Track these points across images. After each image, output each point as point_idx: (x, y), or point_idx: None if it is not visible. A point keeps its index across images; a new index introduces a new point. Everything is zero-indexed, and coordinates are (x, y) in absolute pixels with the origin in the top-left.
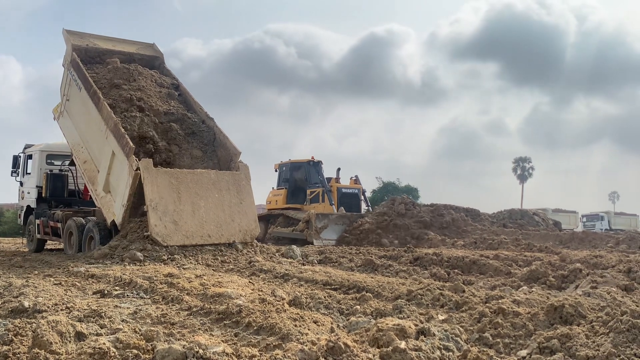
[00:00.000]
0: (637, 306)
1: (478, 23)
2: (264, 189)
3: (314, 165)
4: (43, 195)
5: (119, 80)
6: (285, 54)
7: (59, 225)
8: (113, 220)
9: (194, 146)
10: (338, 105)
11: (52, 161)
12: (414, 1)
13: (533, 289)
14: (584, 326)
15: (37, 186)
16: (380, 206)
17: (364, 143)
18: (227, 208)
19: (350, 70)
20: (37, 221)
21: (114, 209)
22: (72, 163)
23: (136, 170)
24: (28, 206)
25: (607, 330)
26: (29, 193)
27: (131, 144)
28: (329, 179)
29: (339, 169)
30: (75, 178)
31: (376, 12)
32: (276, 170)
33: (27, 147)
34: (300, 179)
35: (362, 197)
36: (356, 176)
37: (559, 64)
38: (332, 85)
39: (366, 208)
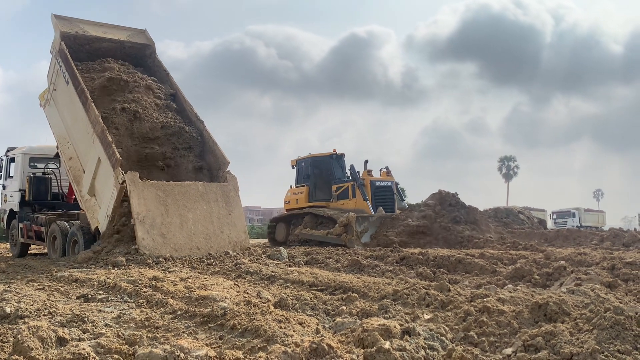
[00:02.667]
0: (621, 303)
1: (455, 24)
2: (249, 191)
3: (337, 159)
4: (26, 198)
5: (115, 91)
6: (265, 55)
7: (43, 229)
8: (97, 227)
9: (190, 160)
10: (320, 107)
11: (35, 164)
12: (395, 2)
13: (518, 287)
14: (568, 323)
15: (20, 189)
16: (427, 201)
17: (348, 144)
18: (216, 220)
19: (331, 71)
20: (21, 225)
21: (98, 216)
22: (56, 155)
23: (122, 183)
24: (11, 210)
25: (591, 327)
26: (11, 196)
27: (118, 155)
28: (357, 173)
29: (366, 161)
30: (58, 181)
31: (357, 14)
32: (293, 167)
33: (9, 150)
34: (323, 174)
35: (396, 191)
36: (387, 167)
37: (536, 63)
38: (313, 87)
39: (402, 202)
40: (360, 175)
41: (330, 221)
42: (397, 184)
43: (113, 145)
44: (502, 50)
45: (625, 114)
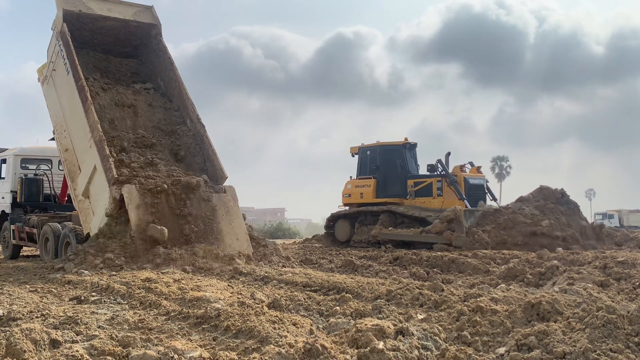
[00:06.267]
0: (613, 302)
1: (437, 25)
2: (239, 192)
3: (410, 149)
4: (18, 200)
5: (118, 112)
6: (251, 55)
7: (35, 230)
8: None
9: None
10: (308, 107)
11: (27, 165)
12: (382, 4)
13: (511, 287)
14: (560, 322)
15: (11, 191)
16: (533, 199)
17: (336, 144)
18: (217, 230)
19: (318, 71)
20: (12, 227)
21: (91, 224)
22: (53, 141)
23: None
24: (3, 211)
25: (584, 326)
26: (3, 198)
27: (114, 172)
28: (438, 166)
29: (449, 154)
30: (50, 182)
31: (343, 15)
32: (353, 155)
33: (0, 151)
34: (394, 166)
35: (487, 189)
36: (471, 162)
37: (519, 64)
38: (300, 87)
39: (493, 201)
40: (451, 171)
41: (415, 221)
42: (487, 182)
43: (110, 159)
44: (485, 51)
45: (609, 114)
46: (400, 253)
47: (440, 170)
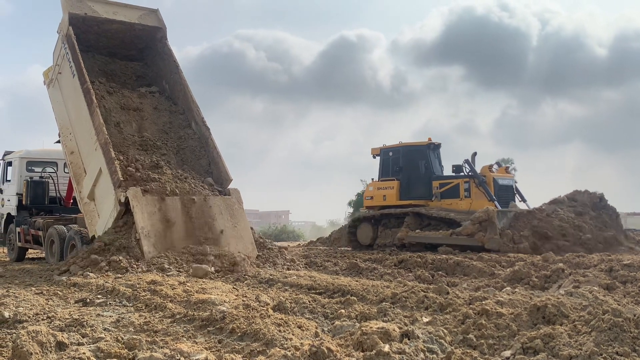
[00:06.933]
0: (619, 305)
1: (439, 27)
2: (243, 194)
3: (434, 149)
4: (23, 202)
5: (125, 115)
6: (254, 58)
7: (40, 233)
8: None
9: (195, 169)
10: (311, 110)
11: (33, 168)
12: (386, 7)
13: (516, 290)
14: (566, 326)
15: (17, 193)
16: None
17: (340, 146)
18: (222, 233)
19: (321, 74)
20: (18, 229)
21: (96, 226)
22: (59, 144)
23: (124, 201)
24: (9, 214)
25: (590, 330)
26: (9, 200)
27: (120, 174)
28: (465, 166)
29: (474, 154)
30: (56, 185)
31: (347, 18)
32: (374, 157)
33: (6, 153)
34: (418, 167)
35: (516, 191)
36: (498, 163)
37: (523, 66)
38: (304, 90)
39: (525, 204)
40: (479, 171)
41: (442, 223)
42: (515, 182)
43: (116, 162)
44: (488, 53)
45: (612, 116)
46: (405, 256)
47: (468, 170)
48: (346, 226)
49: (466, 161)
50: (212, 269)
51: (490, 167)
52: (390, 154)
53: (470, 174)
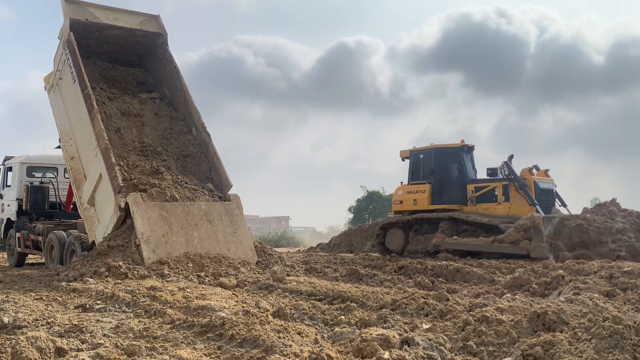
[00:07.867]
0: (619, 312)
1: (438, 34)
2: (243, 199)
3: (467, 152)
4: (23, 207)
5: (125, 121)
6: (253, 64)
7: (40, 238)
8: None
9: (196, 175)
10: (310, 115)
11: (33, 173)
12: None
13: (516, 297)
14: (566, 333)
15: (17, 199)
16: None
17: (339, 152)
18: (222, 238)
19: (320, 80)
20: (18, 234)
21: (96, 232)
22: (59, 149)
23: (124, 207)
24: (8, 219)
25: (590, 337)
26: (9, 206)
27: (120, 181)
28: (504, 169)
29: (511, 156)
30: (56, 190)
31: (345, 24)
32: (404, 159)
33: (6, 159)
34: (451, 170)
35: (556, 195)
36: (535, 166)
37: (521, 73)
38: (302, 95)
39: (565, 209)
40: (520, 174)
41: (480, 229)
42: (555, 186)
43: (116, 167)
44: (486, 60)
45: (610, 123)
46: (405, 262)
47: (506, 173)
48: (374, 232)
49: (505, 163)
50: (235, 281)
51: (531, 169)
52: (421, 156)
53: (510, 176)
